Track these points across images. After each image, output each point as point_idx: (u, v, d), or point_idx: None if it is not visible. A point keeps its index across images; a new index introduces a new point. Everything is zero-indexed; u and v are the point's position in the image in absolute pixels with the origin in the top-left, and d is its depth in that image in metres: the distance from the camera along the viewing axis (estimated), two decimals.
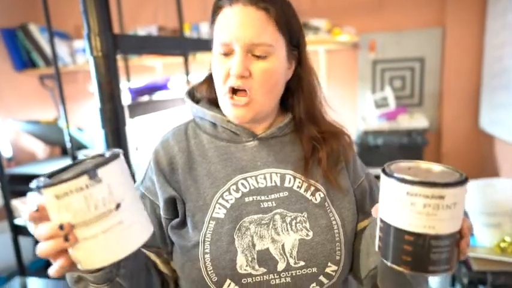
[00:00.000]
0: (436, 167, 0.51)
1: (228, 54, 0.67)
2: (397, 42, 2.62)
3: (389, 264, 0.50)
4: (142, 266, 0.66)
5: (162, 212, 0.71)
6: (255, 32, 0.64)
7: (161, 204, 0.71)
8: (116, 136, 1.21)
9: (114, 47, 1.17)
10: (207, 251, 0.66)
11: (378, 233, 0.52)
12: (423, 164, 0.52)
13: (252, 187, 0.70)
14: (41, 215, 0.46)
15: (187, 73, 1.94)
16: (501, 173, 2.19)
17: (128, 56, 2.50)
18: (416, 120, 2.42)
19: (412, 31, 2.58)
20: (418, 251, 0.47)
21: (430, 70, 2.61)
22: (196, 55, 2.50)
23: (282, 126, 0.75)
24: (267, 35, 0.65)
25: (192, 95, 0.80)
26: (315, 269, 0.67)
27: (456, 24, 2.48)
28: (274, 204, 0.69)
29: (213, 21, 0.70)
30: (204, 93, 0.78)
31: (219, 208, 0.68)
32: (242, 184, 0.70)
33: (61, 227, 0.44)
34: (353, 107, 2.78)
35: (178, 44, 1.76)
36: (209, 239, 0.67)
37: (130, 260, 0.59)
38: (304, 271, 0.66)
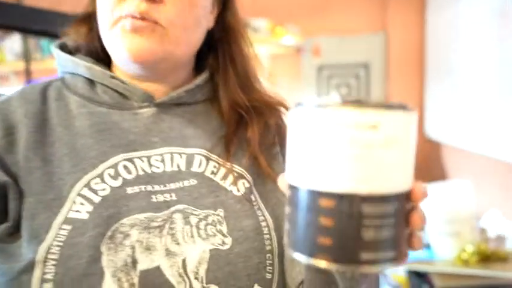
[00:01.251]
0: (371, 101, 0.32)
1: None
2: (342, 46, 2.56)
3: (300, 258, 0.29)
4: None
5: None
6: None
7: None
8: None
9: None
10: (48, 276, 0.40)
11: (286, 212, 0.32)
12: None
13: (142, 173, 0.47)
14: None
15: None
16: (451, 179, 2.14)
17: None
18: None
19: (356, 36, 2.54)
20: (342, 225, 0.27)
21: (375, 76, 2.56)
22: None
23: (193, 89, 0.54)
24: None
25: (65, 48, 0.57)
26: None
27: (398, 26, 2.48)
28: (173, 198, 0.47)
29: None
30: (83, 39, 0.55)
31: (81, 204, 0.44)
32: (125, 167, 0.47)
33: None
34: None
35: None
36: (56, 256, 0.41)
37: None
38: None
